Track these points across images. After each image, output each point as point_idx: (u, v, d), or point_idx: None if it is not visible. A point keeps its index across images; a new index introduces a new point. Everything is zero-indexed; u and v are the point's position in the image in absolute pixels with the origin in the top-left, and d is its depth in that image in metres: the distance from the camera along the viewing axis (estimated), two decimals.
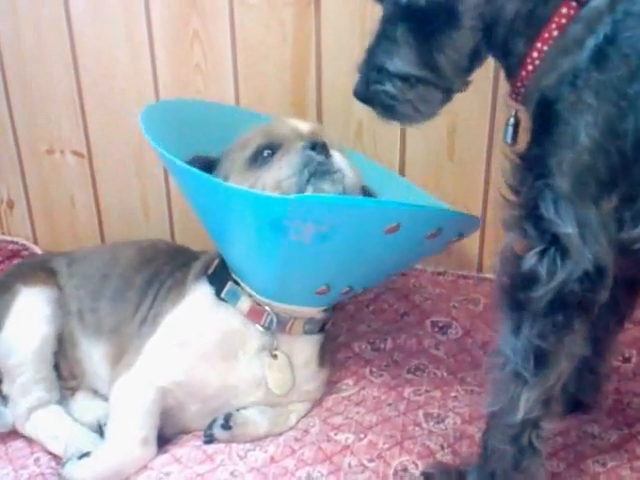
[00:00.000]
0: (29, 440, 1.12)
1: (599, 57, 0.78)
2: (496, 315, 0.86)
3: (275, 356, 1.05)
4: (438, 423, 1.03)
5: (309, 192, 0.97)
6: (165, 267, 1.18)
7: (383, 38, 0.87)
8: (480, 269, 1.40)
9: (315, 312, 1.08)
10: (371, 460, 0.95)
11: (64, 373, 1.20)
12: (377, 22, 0.88)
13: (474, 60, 0.88)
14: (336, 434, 1.02)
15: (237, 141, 1.08)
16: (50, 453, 1.08)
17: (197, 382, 1.04)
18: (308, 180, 0.98)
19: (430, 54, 0.86)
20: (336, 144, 1.05)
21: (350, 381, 1.17)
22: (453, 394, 1.10)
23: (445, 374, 1.16)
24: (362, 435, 1.01)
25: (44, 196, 1.61)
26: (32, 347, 1.14)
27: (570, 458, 0.97)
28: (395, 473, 0.93)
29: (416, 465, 0.94)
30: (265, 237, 0.95)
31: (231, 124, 1.16)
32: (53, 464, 1.05)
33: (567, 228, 0.79)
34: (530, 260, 0.80)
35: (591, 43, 0.79)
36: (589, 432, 1.01)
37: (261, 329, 1.04)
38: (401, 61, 0.86)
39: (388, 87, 0.88)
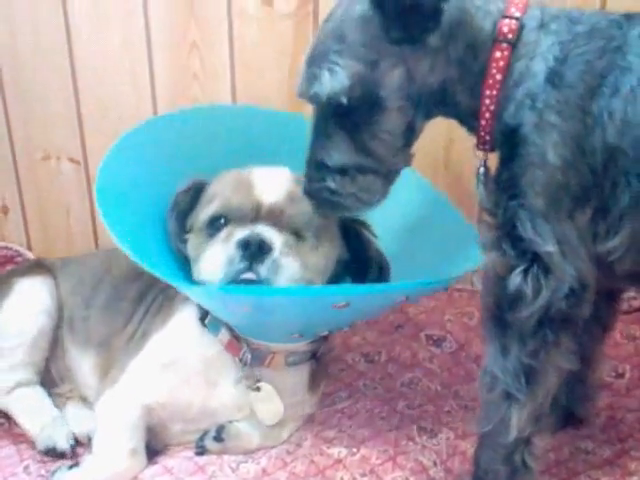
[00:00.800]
0: (18, 447, 1.11)
1: (554, 78, 0.80)
2: (483, 335, 0.87)
3: (258, 388, 1.02)
4: (431, 438, 1.03)
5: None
6: (158, 281, 1.17)
7: (318, 134, 0.89)
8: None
9: (298, 346, 1.05)
10: (363, 475, 0.95)
11: (55, 377, 1.20)
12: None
13: (410, 136, 0.89)
14: (329, 447, 1.01)
15: (210, 190, 1.05)
16: (40, 461, 1.07)
17: (180, 403, 1.03)
18: (233, 279, 0.95)
19: (364, 143, 0.87)
20: (300, 222, 0.99)
21: (343, 394, 1.17)
22: (447, 409, 1.10)
23: (439, 388, 1.16)
24: (354, 450, 1.00)
25: (39, 202, 1.60)
26: (28, 334, 1.15)
27: (562, 474, 0.96)
28: None
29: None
30: (217, 308, 1.01)
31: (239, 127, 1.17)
32: (43, 472, 1.04)
33: (547, 246, 0.80)
34: (514, 280, 0.81)
35: (541, 68, 0.81)
36: (582, 448, 1.01)
37: (239, 362, 1.03)
38: (338, 154, 0.88)
39: (329, 183, 0.89)
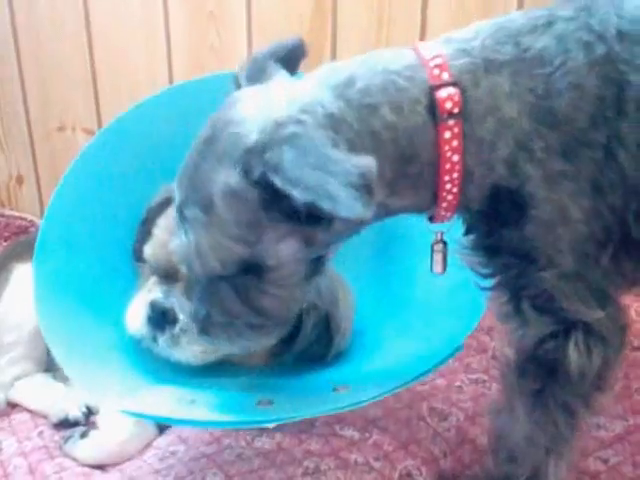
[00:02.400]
0: (32, 414, 1.12)
1: (545, 117, 0.67)
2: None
3: None
4: (441, 421, 1.03)
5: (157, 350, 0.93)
6: None
7: (200, 288, 0.77)
8: None
9: None
10: (377, 459, 0.95)
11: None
12: None
13: (318, 264, 0.74)
14: (341, 429, 1.01)
15: (164, 222, 0.97)
16: (54, 427, 1.09)
17: None
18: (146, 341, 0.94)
19: (253, 302, 0.73)
20: None
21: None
22: (457, 383, 1.10)
23: (450, 361, 1.15)
24: (367, 434, 1.00)
25: (53, 173, 1.61)
26: (27, 327, 1.14)
27: None
28: (400, 477, 0.93)
29: (420, 471, 0.94)
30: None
31: None
32: (56, 437, 1.06)
33: (595, 312, 0.71)
34: (567, 355, 0.72)
35: (518, 110, 0.67)
36: (594, 422, 1.00)
37: None
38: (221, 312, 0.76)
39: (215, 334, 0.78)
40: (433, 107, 0.67)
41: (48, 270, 0.95)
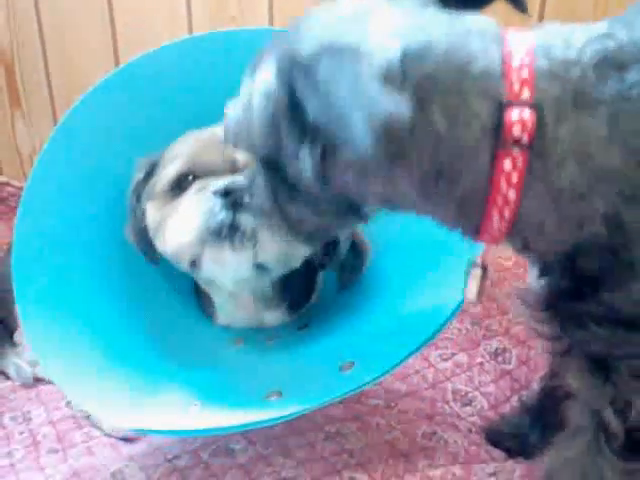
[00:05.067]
0: None
1: None
2: None
3: None
4: (465, 405, 1.03)
5: (206, 258, 0.88)
6: None
7: None
8: None
9: None
10: (400, 423, 0.97)
11: None
12: None
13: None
14: (366, 399, 1.02)
15: (168, 152, 0.95)
16: None
17: None
18: (206, 241, 0.86)
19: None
20: None
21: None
22: (479, 359, 1.11)
23: (469, 327, 1.16)
24: (392, 403, 1.02)
25: None
26: None
27: None
28: (423, 435, 0.95)
29: (444, 431, 0.95)
30: None
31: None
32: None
33: None
34: None
35: (621, 157, 0.56)
36: None
37: None
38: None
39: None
40: (498, 127, 0.56)
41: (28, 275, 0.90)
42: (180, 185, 0.91)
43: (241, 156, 0.88)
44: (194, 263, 0.90)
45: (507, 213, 0.59)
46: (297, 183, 0.63)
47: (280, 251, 0.88)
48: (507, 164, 0.57)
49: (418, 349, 0.81)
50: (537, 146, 0.57)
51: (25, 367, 1.15)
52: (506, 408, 1.02)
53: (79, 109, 0.98)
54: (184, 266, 0.92)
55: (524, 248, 0.64)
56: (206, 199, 0.86)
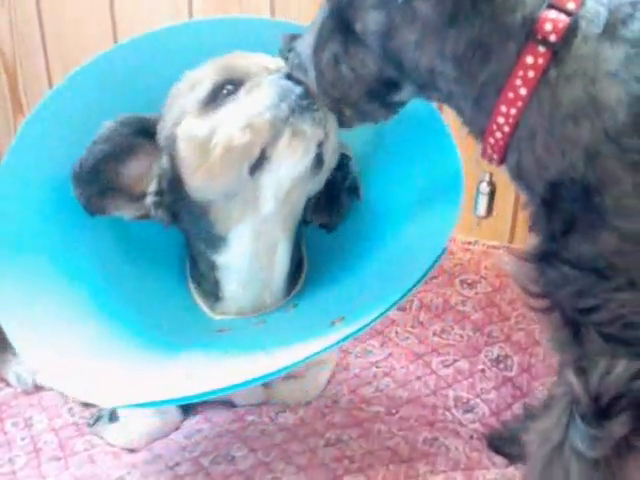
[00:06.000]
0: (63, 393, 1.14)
1: None
2: None
3: None
4: (466, 412, 1.03)
5: (286, 135, 0.83)
6: None
7: None
8: (512, 240, 1.39)
9: None
10: (401, 429, 0.97)
11: None
12: None
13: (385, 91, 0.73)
14: (368, 406, 1.03)
15: (182, 83, 0.93)
16: (83, 404, 1.10)
17: None
18: (287, 118, 0.83)
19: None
20: None
21: (375, 342, 1.18)
22: (480, 366, 1.11)
23: (470, 333, 1.16)
24: (394, 410, 1.02)
25: None
26: None
27: None
28: (424, 441, 0.95)
29: (446, 437, 0.95)
30: None
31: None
32: (86, 414, 1.07)
33: None
34: None
35: (617, 97, 0.58)
36: None
37: None
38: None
39: None
40: (533, 21, 0.60)
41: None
42: (216, 97, 0.88)
43: (272, 63, 0.88)
44: (261, 158, 0.86)
45: (514, 110, 0.61)
46: (360, 37, 0.68)
47: (334, 144, 0.88)
48: (529, 59, 0.60)
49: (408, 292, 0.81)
50: (559, 54, 0.59)
51: (26, 375, 1.15)
52: (507, 415, 1.02)
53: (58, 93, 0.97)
54: (243, 170, 0.87)
55: (518, 174, 0.66)
56: (271, 85, 0.84)
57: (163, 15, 1.43)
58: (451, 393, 1.06)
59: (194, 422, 1.02)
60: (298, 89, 0.82)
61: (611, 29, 0.58)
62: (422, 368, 1.11)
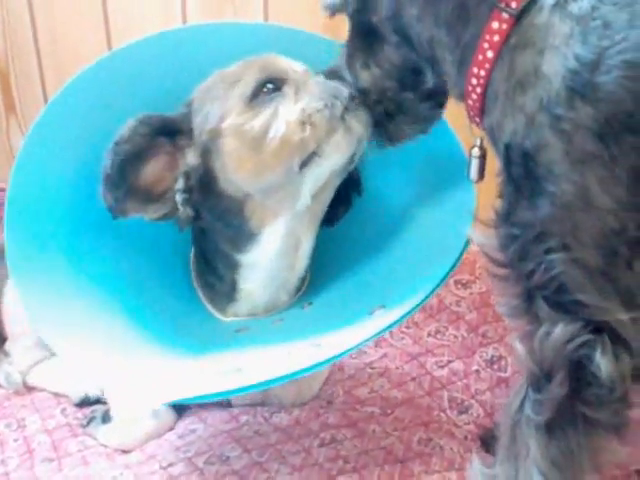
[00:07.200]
0: (56, 393, 1.13)
1: (584, 89, 0.60)
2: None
3: None
4: (461, 413, 1.03)
5: (340, 132, 0.88)
6: None
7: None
8: None
9: None
10: (395, 430, 0.97)
11: None
12: None
13: (415, 79, 0.78)
14: (362, 407, 1.02)
15: (212, 81, 0.95)
16: (76, 406, 1.10)
17: None
18: (342, 115, 0.87)
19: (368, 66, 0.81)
20: None
21: (370, 342, 1.17)
22: (474, 367, 1.11)
23: (465, 334, 1.17)
24: (389, 410, 1.02)
25: None
26: None
27: None
28: (419, 441, 0.94)
29: (440, 437, 0.95)
30: None
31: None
32: (80, 415, 1.07)
33: (618, 313, 0.62)
34: (596, 361, 0.61)
35: (556, 70, 0.62)
36: None
37: None
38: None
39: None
40: None
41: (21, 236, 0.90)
42: (259, 95, 0.91)
43: (301, 66, 0.93)
44: (312, 153, 0.89)
45: (483, 72, 0.67)
46: (380, 31, 0.75)
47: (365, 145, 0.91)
48: (495, 24, 0.65)
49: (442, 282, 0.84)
50: (520, 21, 0.64)
51: (15, 375, 1.14)
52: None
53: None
54: (294, 164, 0.89)
55: (491, 137, 0.70)
56: (321, 85, 0.89)
57: (155, 16, 1.43)
58: (446, 394, 1.06)
59: (188, 422, 1.02)
60: (346, 89, 0.87)
61: (562, 2, 0.63)
62: (417, 369, 1.11)
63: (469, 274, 1.27)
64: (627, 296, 0.62)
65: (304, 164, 0.90)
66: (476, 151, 0.80)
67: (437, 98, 0.82)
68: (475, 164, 0.80)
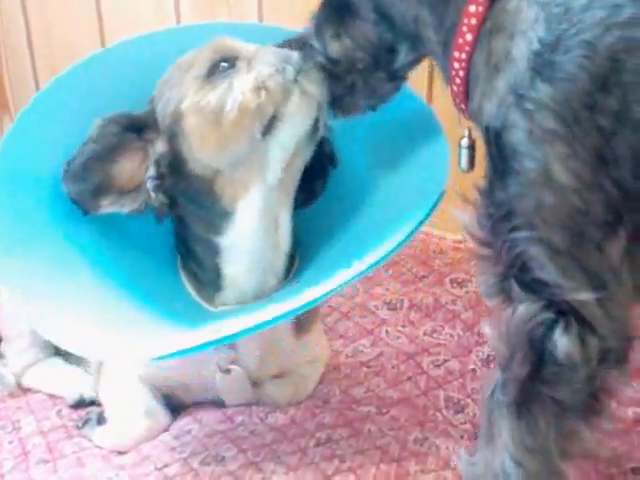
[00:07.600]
0: (51, 394, 1.13)
1: (543, 69, 0.62)
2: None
3: (228, 371, 0.99)
4: (457, 413, 1.02)
5: (296, 93, 0.89)
6: None
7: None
8: None
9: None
10: (391, 429, 0.97)
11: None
12: None
13: (389, 58, 0.79)
14: (358, 406, 1.02)
15: (169, 72, 0.97)
16: (71, 407, 1.09)
17: (174, 382, 1.03)
18: (294, 78, 0.89)
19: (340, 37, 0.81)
20: None
21: (366, 341, 1.18)
22: (471, 366, 1.10)
23: (461, 333, 1.17)
24: (384, 410, 1.01)
25: None
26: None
27: None
28: (415, 440, 0.94)
29: (436, 437, 0.95)
30: None
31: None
32: (75, 416, 1.07)
33: (581, 293, 0.62)
34: (558, 341, 0.62)
35: (521, 53, 0.64)
36: None
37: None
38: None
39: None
40: None
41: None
42: (215, 72, 0.92)
43: (254, 46, 0.94)
44: (272, 118, 0.90)
45: (464, 55, 0.68)
46: (356, 9, 0.76)
47: (326, 112, 0.91)
48: (472, 7, 0.67)
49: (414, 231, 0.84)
50: (495, 5, 0.66)
51: (9, 376, 1.14)
52: None
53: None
54: (255, 132, 0.90)
55: (475, 119, 0.72)
56: (274, 52, 0.91)
57: (149, 17, 1.43)
58: (442, 393, 1.06)
59: (183, 423, 1.02)
60: (296, 54, 0.89)
61: None
62: (413, 368, 1.11)
63: (465, 273, 1.27)
64: (594, 277, 0.62)
65: (267, 131, 0.90)
66: (465, 141, 0.81)
67: (400, 79, 0.84)
68: (465, 154, 0.81)
